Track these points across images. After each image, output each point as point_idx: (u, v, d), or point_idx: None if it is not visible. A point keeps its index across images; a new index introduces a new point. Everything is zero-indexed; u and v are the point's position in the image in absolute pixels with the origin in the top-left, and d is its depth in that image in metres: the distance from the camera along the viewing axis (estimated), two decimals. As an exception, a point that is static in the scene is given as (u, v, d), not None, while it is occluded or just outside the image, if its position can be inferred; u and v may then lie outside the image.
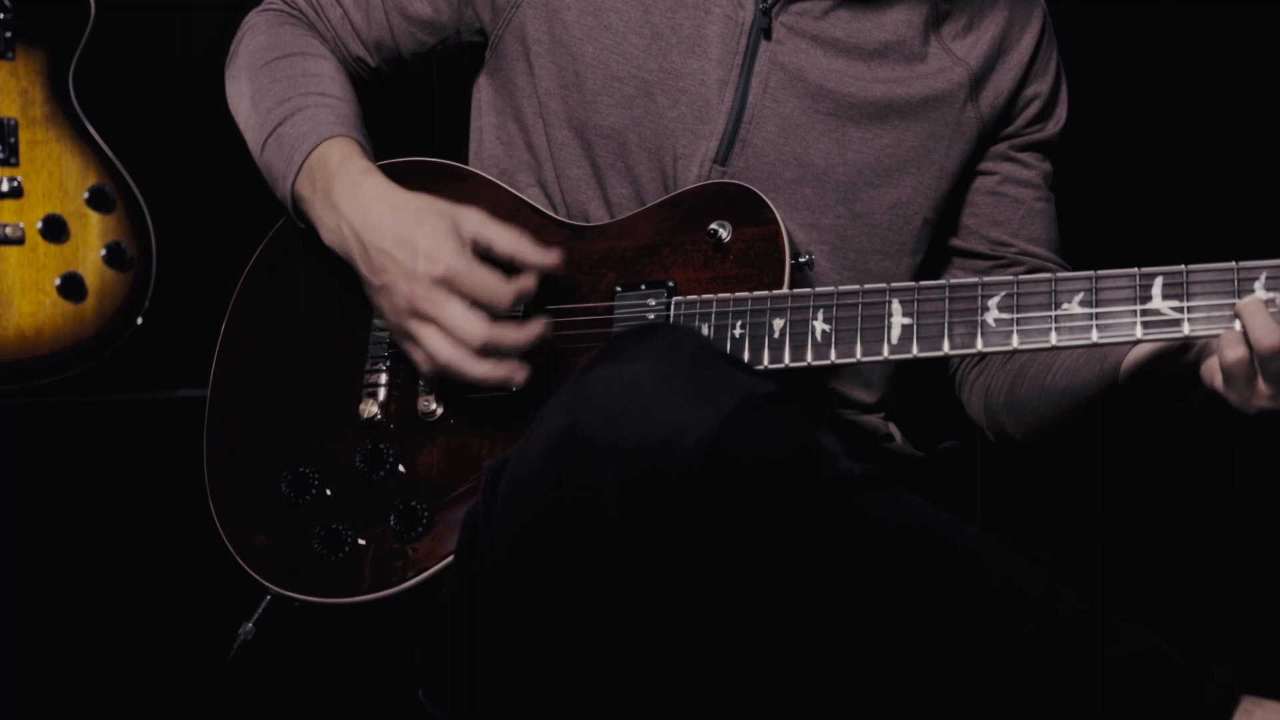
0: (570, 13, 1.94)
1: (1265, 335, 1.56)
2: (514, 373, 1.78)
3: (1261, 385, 1.59)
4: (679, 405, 1.51)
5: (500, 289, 1.77)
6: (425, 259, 1.77)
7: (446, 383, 1.83)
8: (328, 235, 1.88)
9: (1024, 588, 1.50)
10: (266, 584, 1.87)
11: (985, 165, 2.03)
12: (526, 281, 1.78)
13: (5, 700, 2.37)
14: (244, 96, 2.02)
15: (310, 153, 1.90)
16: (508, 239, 1.80)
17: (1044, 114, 2.04)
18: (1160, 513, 2.57)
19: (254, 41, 2.06)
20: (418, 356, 1.80)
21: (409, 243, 1.79)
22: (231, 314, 2.02)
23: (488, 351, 1.76)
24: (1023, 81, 2.01)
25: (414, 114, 2.35)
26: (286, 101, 1.95)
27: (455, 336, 1.76)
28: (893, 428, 2.07)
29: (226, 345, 2.00)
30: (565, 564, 1.56)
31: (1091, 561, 1.81)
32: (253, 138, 1.98)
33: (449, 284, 1.77)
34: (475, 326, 1.76)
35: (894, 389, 2.06)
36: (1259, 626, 2.31)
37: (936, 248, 2.04)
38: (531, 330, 1.78)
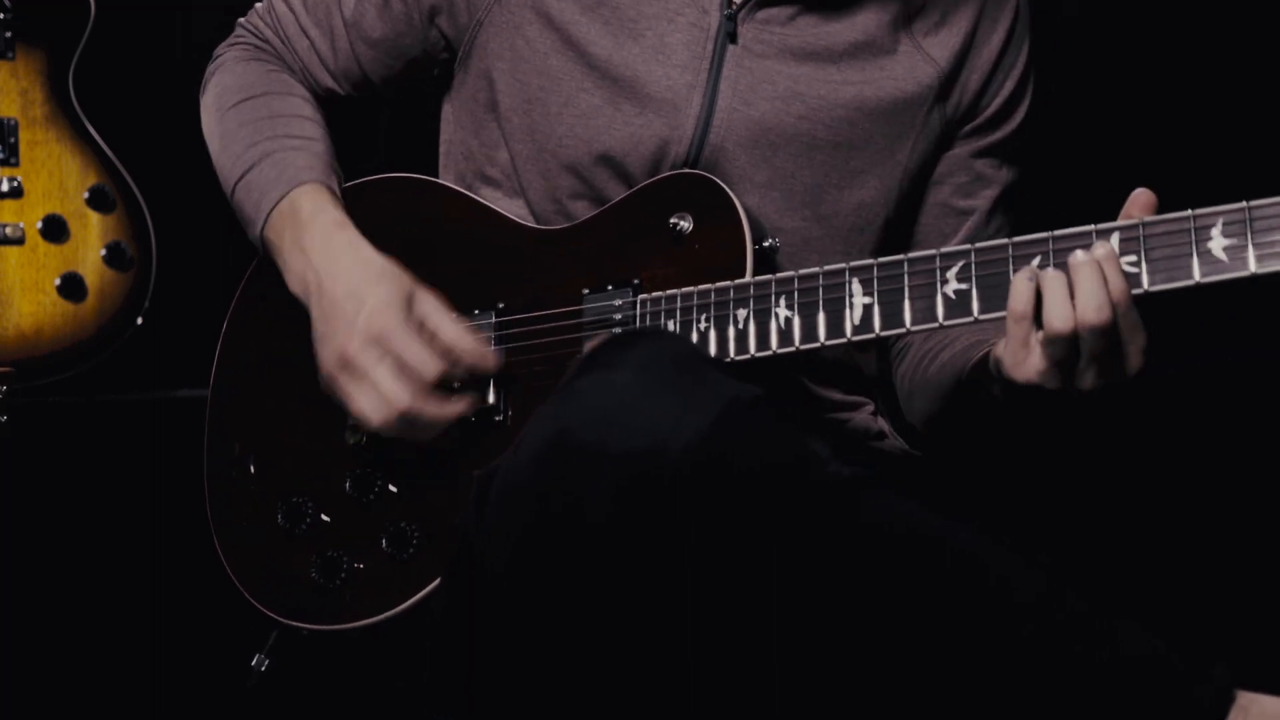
0: (531, 28, 1.93)
1: (1055, 317, 1.58)
2: (436, 437, 1.82)
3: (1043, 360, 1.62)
4: (666, 411, 1.51)
5: (428, 361, 1.80)
6: (368, 315, 1.81)
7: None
8: (292, 281, 1.92)
9: (1020, 589, 1.50)
10: (273, 616, 1.89)
11: (940, 172, 2.01)
12: (455, 366, 1.81)
13: (4, 701, 2.37)
14: (213, 138, 2.05)
15: (280, 200, 1.93)
16: (452, 331, 1.83)
17: (1004, 111, 2.00)
18: (1160, 512, 2.57)
19: (222, 80, 2.08)
20: (350, 407, 1.83)
21: (359, 296, 1.83)
22: (221, 349, 2.04)
23: (408, 419, 1.80)
24: (989, 78, 1.98)
25: (390, 127, 2.36)
26: (254, 146, 1.98)
27: (381, 397, 1.80)
28: (883, 423, 2.07)
29: (219, 379, 2.03)
30: (558, 571, 1.56)
31: (1090, 560, 1.81)
32: (224, 180, 2.01)
33: (381, 343, 1.80)
34: (400, 392, 1.79)
35: (865, 370, 2.05)
36: (1258, 625, 2.31)
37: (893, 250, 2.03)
38: (454, 406, 1.81)
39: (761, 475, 1.49)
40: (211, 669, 2.32)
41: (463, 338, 1.82)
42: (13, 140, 2.50)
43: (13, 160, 2.50)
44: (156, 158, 2.62)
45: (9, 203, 2.49)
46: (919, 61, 1.94)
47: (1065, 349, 1.60)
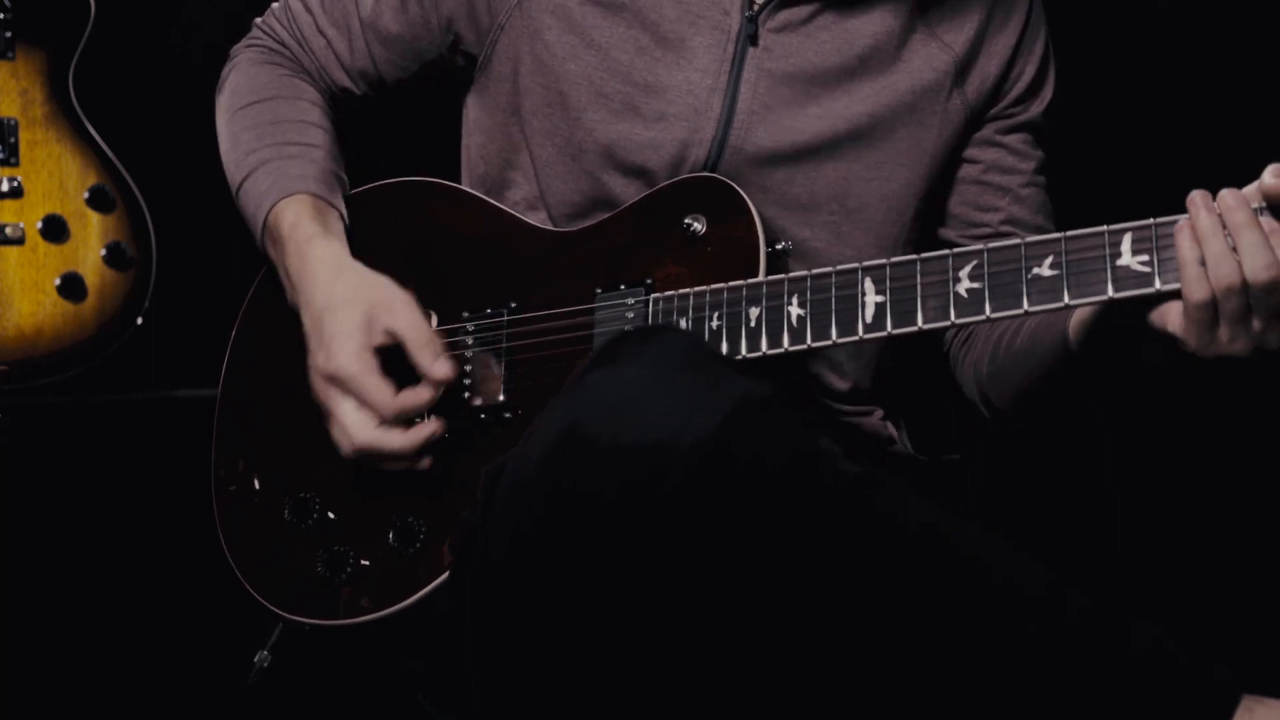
0: (551, 32, 1.94)
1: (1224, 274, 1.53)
2: (409, 464, 1.83)
3: (1221, 328, 1.56)
4: (677, 407, 1.51)
5: (383, 401, 1.81)
6: (324, 353, 1.83)
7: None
8: (287, 300, 1.94)
9: (1026, 586, 1.50)
10: (277, 611, 1.89)
11: (971, 152, 2.02)
12: (415, 396, 1.82)
13: (3, 702, 2.37)
14: (223, 139, 2.07)
15: (269, 213, 1.94)
16: (415, 338, 1.83)
17: (1029, 93, 2.02)
18: (1164, 513, 2.57)
19: (235, 81, 2.10)
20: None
21: (319, 330, 1.85)
22: (234, 343, 2.05)
23: (370, 453, 1.82)
24: (1010, 63, 2.00)
25: (415, 129, 2.36)
26: (254, 153, 2.00)
27: (344, 432, 1.82)
28: (891, 428, 2.07)
29: (230, 373, 2.04)
30: (563, 567, 1.56)
31: (1096, 561, 1.81)
32: (230, 183, 2.03)
33: (338, 384, 1.82)
34: (360, 430, 1.81)
35: (875, 378, 2.04)
36: (1259, 626, 2.32)
37: (927, 239, 2.03)
38: (417, 435, 1.82)
39: (771, 472, 1.49)
40: (213, 668, 2.31)
41: (424, 349, 1.83)
42: (13, 140, 2.50)
43: (13, 160, 2.50)
44: (156, 158, 2.62)
45: (9, 203, 2.49)
46: (935, 50, 1.95)
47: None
